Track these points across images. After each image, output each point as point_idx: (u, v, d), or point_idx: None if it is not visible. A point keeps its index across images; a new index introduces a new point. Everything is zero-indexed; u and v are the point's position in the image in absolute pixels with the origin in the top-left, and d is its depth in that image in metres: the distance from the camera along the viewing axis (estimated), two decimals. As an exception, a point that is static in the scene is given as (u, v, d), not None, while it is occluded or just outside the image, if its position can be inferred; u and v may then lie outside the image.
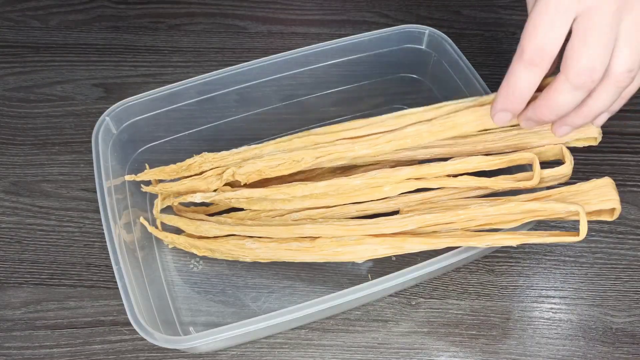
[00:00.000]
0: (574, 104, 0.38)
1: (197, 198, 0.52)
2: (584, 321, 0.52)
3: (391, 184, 0.49)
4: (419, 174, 0.48)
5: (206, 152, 0.53)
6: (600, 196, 0.45)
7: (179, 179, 0.55)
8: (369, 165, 0.54)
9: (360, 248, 0.47)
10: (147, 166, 0.57)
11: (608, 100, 0.38)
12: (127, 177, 0.54)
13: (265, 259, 0.51)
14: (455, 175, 0.48)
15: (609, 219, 0.45)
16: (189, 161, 0.53)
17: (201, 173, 0.53)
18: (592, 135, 0.47)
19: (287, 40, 0.70)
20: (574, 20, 0.36)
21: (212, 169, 0.52)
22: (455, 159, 0.49)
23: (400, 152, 0.50)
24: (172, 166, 0.54)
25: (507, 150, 0.49)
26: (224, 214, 0.55)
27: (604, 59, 0.36)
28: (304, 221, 0.50)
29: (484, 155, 0.49)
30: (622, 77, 0.37)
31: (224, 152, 0.52)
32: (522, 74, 0.37)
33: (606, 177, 0.46)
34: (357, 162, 0.53)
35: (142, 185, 0.55)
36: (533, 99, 0.40)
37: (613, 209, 0.45)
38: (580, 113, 0.39)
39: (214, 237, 0.52)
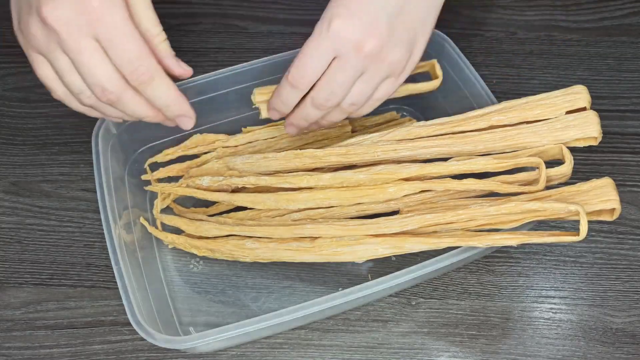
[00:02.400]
0: (314, 116, 0.48)
1: (205, 181, 0.53)
2: (584, 321, 0.52)
3: (396, 182, 0.49)
4: (424, 172, 0.48)
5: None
6: (600, 196, 0.45)
7: (180, 177, 0.55)
8: (370, 165, 0.54)
9: (360, 248, 0.47)
10: (148, 169, 0.57)
11: (333, 120, 0.49)
12: (144, 177, 0.57)
13: (265, 259, 0.51)
14: (459, 176, 0.48)
15: (609, 219, 0.45)
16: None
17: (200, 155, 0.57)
18: (592, 135, 0.47)
19: (287, 40, 0.70)
20: (334, 58, 0.44)
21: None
22: (459, 159, 0.49)
23: (400, 151, 0.50)
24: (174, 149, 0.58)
25: (508, 150, 0.49)
26: (224, 214, 0.55)
27: (340, 93, 0.46)
28: (303, 221, 0.50)
29: (486, 155, 0.49)
30: (345, 107, 0.47)
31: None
32: (286, 91, 0.46)
33: (606, 177, 0.46)
34: (357, 162, 0.53)
35: (146, 176, 0.55)
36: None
37: (613, 209, 0.45)
38: (312, 120, 0.49)
39: (214, 237, 0.52)
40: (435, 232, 0.47)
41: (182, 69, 0.47)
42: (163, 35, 0.46)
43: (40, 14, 0.40)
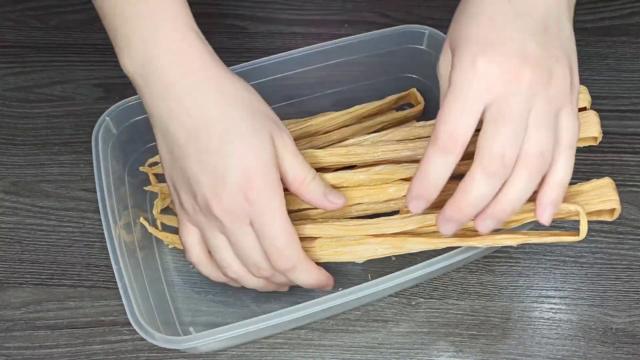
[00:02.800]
0: (490, 192, 0.39)
1: None
2: (584, 321, 0.52)
3: (396, 182, 0.49)
4: None
5: None
6: (601, 196, 0.45)
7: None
8: (371, 165, 0.54)
9: (360, 248, 0.47)
10: (147, 167, 0.57)
11: (523, 186, 0.38)
12: (142, 168, 0.57)
13: None
14: (460, 176, 0.48)
15: (609, 219, 0.45)
16: None
17: None
18: (592, 135, 0.47)
19: (287, 40, 0.70)
20: (486, 107, 0.37)
21: None
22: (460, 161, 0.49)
23: (400, 151, 0.50)
24: None
25: None
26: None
27: (514, 144, 0.37)
28: (303, 221, 0.50)
29: None
30: (533, 160, 0.38)
31: None
32: (436, 160, 0.39)
33: (606, 178, 0.46)
34: (357, 162, 0.53)
35: (144, 168, 0.55)
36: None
37: (613, 209, 0.45)
38: (498, 202, 0.39)
39: None
40: (435, 232, 0.47)
41: (333, 203, 0.46)
42: (312, 175, 0.45)
43: (207, 206, 0.43)
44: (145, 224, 0.54)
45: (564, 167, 0.39)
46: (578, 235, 0.43)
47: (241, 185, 0.41)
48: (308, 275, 0.46)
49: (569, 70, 0.39)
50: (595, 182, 0.45)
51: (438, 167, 0.39)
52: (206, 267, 0.48)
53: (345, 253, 0.48)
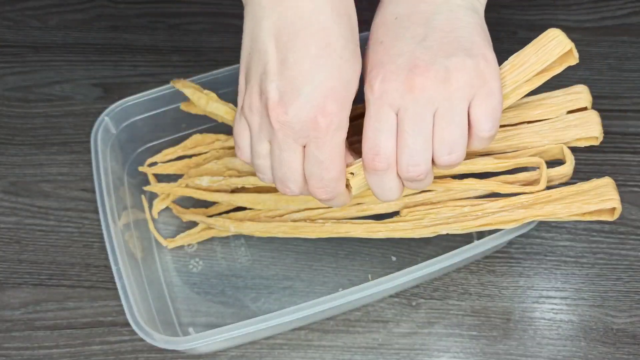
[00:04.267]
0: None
1: (205, 181, 0.53)
2: (584, 322, 0.52)
3: None
4: None
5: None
6: (600, 196, 0.45)
7: (179, 177, 0.55)
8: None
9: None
10: (146, 166, 0.57)
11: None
12: (141, 168, 0.57)
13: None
14: (460, 175, 0.48)
15: (610, 219, 0.45)
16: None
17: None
18: (593, 135, 0.47)
19: (287, 40, 0.70)
20: (397, 121, 0.39)
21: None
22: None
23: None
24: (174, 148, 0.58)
25: (509, 150, 0.48)
26: (224, 215, 0.55)
27: (422, 152, 0.39)
28: (303, 222, 0.50)
29: (486, 155, 0.48)
30: (444, 162, 0.40)
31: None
32: (376, 180, 0.41)
33: (606, 177, 0.45)
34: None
35: (143, 168, 0.55)
36: None
37: (613, 209, 0.45)
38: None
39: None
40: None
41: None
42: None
43: (267, 109, 0.39)
44: (149, 222, 0.54)
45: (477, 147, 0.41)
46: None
47: (316, 103, 0.39)
48: (337, 203, 0.44)
49: (470, 58, 0.39)
50: (595, 182, 0.45)
51: (384, 185, 0.41)
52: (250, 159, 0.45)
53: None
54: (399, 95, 0.39)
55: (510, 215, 0.45)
